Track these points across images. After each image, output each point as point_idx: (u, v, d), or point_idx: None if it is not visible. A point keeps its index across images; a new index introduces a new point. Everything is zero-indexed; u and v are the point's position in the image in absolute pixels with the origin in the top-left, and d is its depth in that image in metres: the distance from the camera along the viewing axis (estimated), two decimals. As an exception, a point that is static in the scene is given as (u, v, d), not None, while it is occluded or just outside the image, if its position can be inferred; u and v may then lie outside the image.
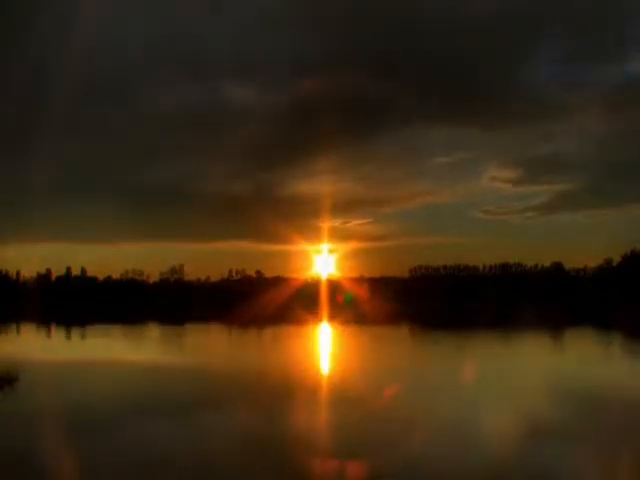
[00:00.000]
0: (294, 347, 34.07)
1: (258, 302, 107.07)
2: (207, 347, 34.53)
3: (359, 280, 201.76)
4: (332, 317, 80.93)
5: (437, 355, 28.79)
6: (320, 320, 70.48)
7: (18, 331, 51.66)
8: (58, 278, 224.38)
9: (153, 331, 53.74)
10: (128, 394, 17.10)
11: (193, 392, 17.60)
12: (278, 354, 29.21)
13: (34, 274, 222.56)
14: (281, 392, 17.71)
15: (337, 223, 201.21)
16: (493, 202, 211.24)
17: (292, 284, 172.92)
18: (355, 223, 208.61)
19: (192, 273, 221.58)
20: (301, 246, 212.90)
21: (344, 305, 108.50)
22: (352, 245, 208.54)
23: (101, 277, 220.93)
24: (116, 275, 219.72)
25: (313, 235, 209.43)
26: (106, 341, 39.54)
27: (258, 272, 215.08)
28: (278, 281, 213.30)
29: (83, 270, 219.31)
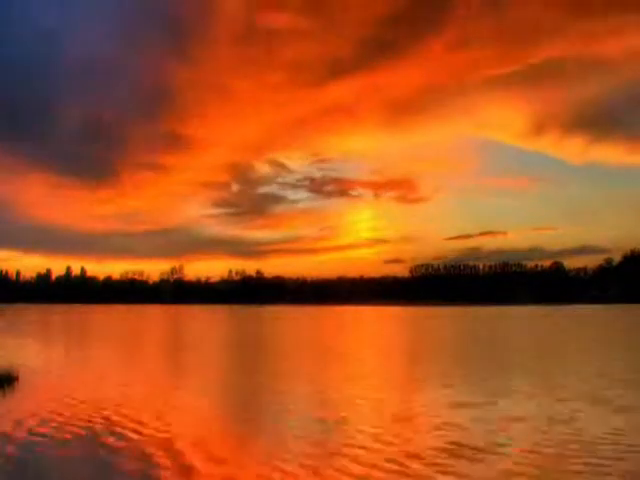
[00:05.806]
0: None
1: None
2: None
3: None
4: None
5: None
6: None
7: (18, 330, 51.72)
8: (58, 278, 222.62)
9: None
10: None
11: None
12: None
13: (34, 274, 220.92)
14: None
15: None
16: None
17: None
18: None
19: (191, 274, 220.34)
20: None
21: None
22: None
23: (101, 277, 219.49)
24: (116, 275, 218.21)
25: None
26: (107, 340, 39.52)
27: (258, 272, 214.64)
28: (281, 281, 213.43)
29: (83, 270, 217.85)
